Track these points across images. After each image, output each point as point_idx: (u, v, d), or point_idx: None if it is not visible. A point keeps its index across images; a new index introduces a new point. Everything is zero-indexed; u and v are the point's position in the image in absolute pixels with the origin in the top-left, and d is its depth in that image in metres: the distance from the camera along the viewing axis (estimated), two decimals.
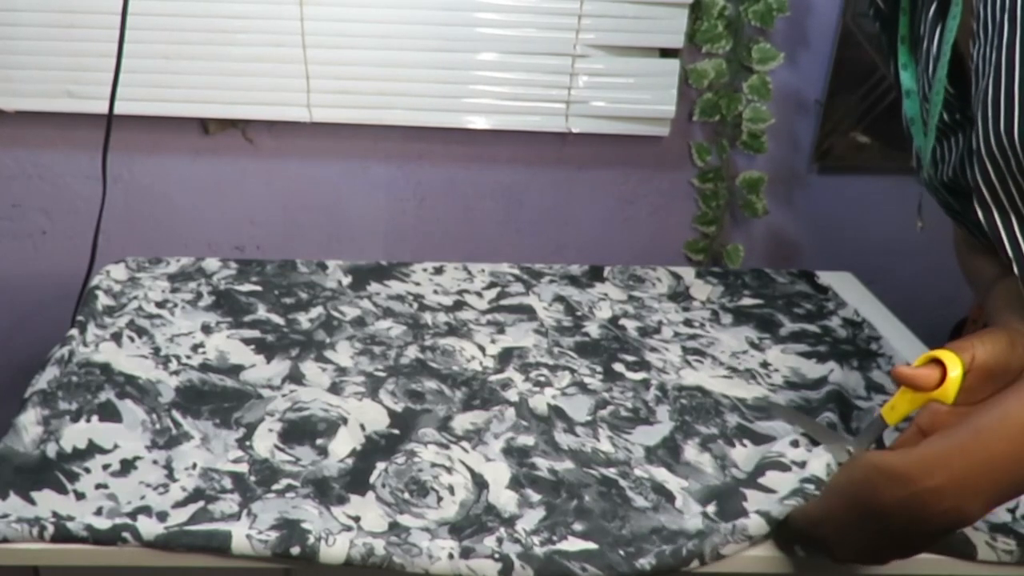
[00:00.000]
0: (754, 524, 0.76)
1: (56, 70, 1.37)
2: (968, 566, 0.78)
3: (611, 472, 0.86)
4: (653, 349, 1.09)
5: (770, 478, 0.83)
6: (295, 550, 0.74)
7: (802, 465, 0.83)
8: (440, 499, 0.82)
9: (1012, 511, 0.82)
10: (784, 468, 0.83)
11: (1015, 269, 0.74)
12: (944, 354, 0.73)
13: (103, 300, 1.12)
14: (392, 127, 1.46)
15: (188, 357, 1.01)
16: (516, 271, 1.27)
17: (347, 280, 1.21)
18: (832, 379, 1.03)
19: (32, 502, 0.78)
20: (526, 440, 0.90)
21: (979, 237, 0.83)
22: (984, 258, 0.88)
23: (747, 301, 1.22)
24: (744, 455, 0.89)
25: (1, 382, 1.55)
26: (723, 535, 0.76)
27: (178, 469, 0.83)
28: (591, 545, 0.77)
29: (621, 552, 0.76)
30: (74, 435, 0.86)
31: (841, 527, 0.71)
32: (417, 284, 1.22)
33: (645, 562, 0.75)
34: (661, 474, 0.86)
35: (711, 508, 0.81)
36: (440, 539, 0.76)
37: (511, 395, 0.97)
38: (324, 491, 0.81)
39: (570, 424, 0.93)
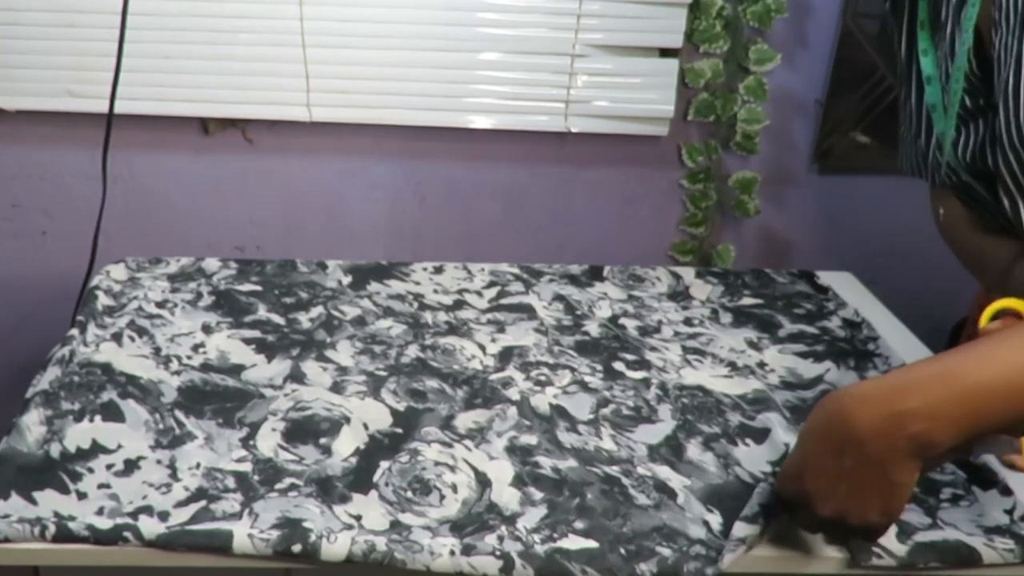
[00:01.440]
0: (738, 528, 0.76)
1: (57, 69, 1.37)
2: (975, 571, 0.78)
3: (614, 470, 0.86)
4: (653, 348, 1.09)
5: None
6: (296, 547, 0.74)
7: None
8: (443, 497, 0.82)
9: (1009, 512, 0.82)
10: None
11: None
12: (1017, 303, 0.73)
13: (103, 300, 1.12)
14: (392, 127, 1.46)
15: (189, 357, 1.01)
16: (516, 270, 1.27)
17: (347, 280, 1.21)
18: (828, 379, 1.04)
19: (34, 502, 0.78)
20: (529, 439, 0.90)
21: (996, 218, 0.83)
22: (997, 237, 0.88)
23: (747, 301, 1.22)
24: (748, 455, 0.90)
25: (1, 382, 1.55)
26: (721, 553, 0.75)
27: (182, 469, 0.83)
28: (591, 543, 0.77)
29: (622, 550, 0.76)
30: (78, 435, 0.86)
31: (818, 471, 0.68)
32: (417, 283, 1.22)
33: (646, 568, 0.75)
34: (664, 472, 0.87)
35: (715, 519, 0.81)
36: (441, 536, 0.77)
37: (512, 394, 0.97)
38: (327, 490, 0.82)
39: (572, 423, 0.93)
